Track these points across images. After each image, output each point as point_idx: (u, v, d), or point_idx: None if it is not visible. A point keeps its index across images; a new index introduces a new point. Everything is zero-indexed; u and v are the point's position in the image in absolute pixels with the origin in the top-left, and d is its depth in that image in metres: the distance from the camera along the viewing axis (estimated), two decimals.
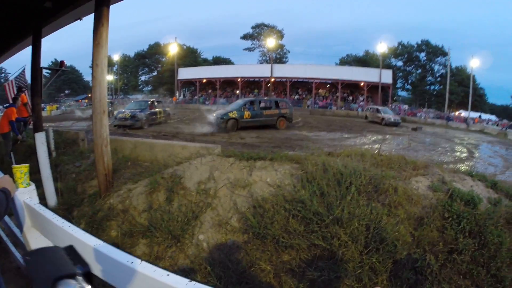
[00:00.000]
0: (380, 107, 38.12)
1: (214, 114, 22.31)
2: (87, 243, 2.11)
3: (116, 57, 68.96)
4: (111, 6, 5.83)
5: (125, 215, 4.94)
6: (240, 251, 4.15)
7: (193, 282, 1.64)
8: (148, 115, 22.17)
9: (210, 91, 59.28)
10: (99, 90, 5.79)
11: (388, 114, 34.98)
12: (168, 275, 1.69)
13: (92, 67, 5.86)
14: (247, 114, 21.55)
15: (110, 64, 66.06)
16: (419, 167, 5.47)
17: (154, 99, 30.21)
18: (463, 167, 7.64)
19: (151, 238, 4.46)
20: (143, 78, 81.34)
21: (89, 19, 6.17)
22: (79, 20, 6.94)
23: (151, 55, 76.57)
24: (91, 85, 7.44)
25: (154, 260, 4.25)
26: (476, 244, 4.01)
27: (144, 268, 1.76)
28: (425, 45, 70.08)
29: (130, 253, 4.31)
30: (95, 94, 5.81)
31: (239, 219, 4.42)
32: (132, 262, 1.80)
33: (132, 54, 77.89)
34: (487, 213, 4.34)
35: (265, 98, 37.36)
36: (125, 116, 21.15)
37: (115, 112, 22.93)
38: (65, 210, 5.78)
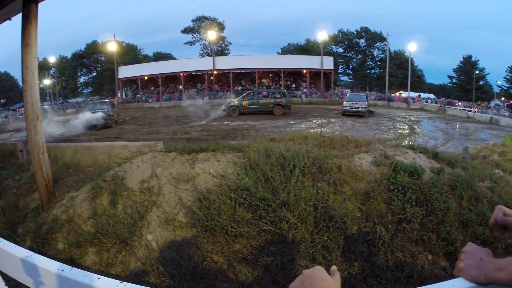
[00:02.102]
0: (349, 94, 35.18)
1: (224, 104, 30.43)
2: (15, 255, 1.99)
3: (52, 59, 65.41)
4: (41, 4, 5.43)
5: (70, 225, 4.67)
6: (190, 246, 4.04)
7: (124, 283, 1.56)
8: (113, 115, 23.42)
9: (152, 88, 58.00)
10: (30, 95, 5.41)
11: (350, 101, 29.62)
12: (99, 278, 1.60)
13: (22, 70, 5.48)
14: (245, 102, 29.02)
15: (46, 67, 63.14)
16: (361, 145, 5.59)
17: (109, 100, 30.32)
18: (405, 142, 7.88)
19: (99, 245, 4.24)
20: (82, 79, 77.64)
21: (19, 19, 5.74)
22: (8, 20, 6.45)
23: (89, 55, 73.11)
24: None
25: (105, 267, 4.05)
26: (423, 212, 4.16)
27: (75, 274, 1.66)
28: (365, 32, 72.77)
29: (80, 264, 4.13)
30: (26, 99, 5.42)
31: (185, 214, 4.30)
32: (62, 270, 1.70)
33: (69, 55, 73.67)
34: (431, 182, 4.50)
35: (264, 89, 41.63)
36: (97, 116, 21.92)
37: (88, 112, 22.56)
38: (9, 228, 5.40)
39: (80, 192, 5.20)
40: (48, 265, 1.81)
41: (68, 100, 67.02)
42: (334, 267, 1.09)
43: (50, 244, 4.50)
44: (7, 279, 2.19)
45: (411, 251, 3.91)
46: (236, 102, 29.28)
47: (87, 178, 5.82)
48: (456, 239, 3.98)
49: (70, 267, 1.73)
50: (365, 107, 28.39)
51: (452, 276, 1.25)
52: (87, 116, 21.49)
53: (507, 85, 72.93)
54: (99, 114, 22.39)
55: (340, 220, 3.91)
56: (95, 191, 4.93)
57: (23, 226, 5.35)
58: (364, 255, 3.78)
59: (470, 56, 73.15)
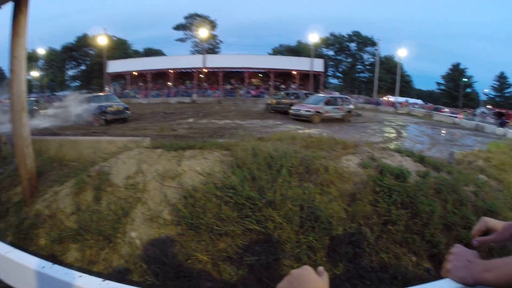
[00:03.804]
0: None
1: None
2: None
3: (41, 51, 64.33)
4: None
5: (53, 221, 4.59)
6: (174, 244, 3.99)
7: (107, 281, 1.52)
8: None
9: (141, 84, 57.44)
10: (17, 85, 5.32)
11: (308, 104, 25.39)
12: (80, 276, 1.57)
13: (10, 60, 5.38)
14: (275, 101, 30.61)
15: (35, 58, 62.16)
16: (349, 147, 5.62)
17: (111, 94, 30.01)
18: (392, 146, 7.94)
19: (82, 241, 4.16)
20: (70, 73, 76.54)
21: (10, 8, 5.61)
22: None
23: (79, 48, 72.00)
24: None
25: (88, 265, 3.97)
26: (408, 214, 4.21)
27: (56, 271, 1.62)
28: (356, 36, 73.49)
29: (62, 261, 4.06)
30: (13, 90, 5.33)
31: (170, 212, 4.25)
32: (43, 267, 1.66)
33: (58, 47, 72.61)
34: (416, 185, 4.56)
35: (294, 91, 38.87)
36: (118, 109, 21.60)
37: (95, 106, 21.48)
38: None
39: (64, 186, 5.12)
40: (28, 261, 1.77)
41: (55, 93, 65.83)
42: (321, 268, 1.08)
43: (32, 239, 4.41)
44: None
45: (395, 253, 3.94)
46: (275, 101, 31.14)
47: (71, 172, 5.74)
48: (440, 242, 4.03)
49: (51, 263, 1.69)
50: (311, 111, 23.62)
51: (436, 278, 1.26)
52: (104, 109, 20.68)
53: (494, 93, 74.49)
54: (121, 106, 22.02)
55: (325, 220, 3.91)
56: (79, 186, 4.86)
57: (4, 221, 5.25)
58: (349, 256, 3.79)
59: (459, 64, 74.60)
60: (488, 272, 1.09)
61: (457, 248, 1.29)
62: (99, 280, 1.52)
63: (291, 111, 25.28)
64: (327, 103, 25.38)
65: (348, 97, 29.94)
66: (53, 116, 22.16)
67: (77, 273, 1.58)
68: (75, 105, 22.53)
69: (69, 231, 4.31)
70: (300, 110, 24.56)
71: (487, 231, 1.42)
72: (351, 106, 27.04)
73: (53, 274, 1.63)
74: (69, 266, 3.86)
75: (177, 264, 3.77)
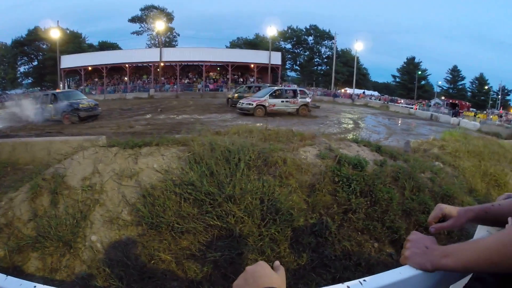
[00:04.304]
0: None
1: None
2: None
3: None
4: None
5: (10, 229, 4.36)
6: (136, 245, 3.92)
7: None
8: None
9: (96, 79, 55.53)
10: None
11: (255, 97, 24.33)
12: (35, 286, 1.50)
13: None
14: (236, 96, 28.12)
15: None
16: (306, 138, 5.69)
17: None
18: (350, 136, 8.08)
19: (42, 249, 3.98)
20: (22, 69, 72.03)
21: None
22: None
23: (30, 42, 67.94)
24: None
25: (50, 273, 3.82)
26: (368, 202, 4.34)
27: (10, 283, 1.54)
28: (313, 30, 74.28)
29: (23, 271, 3.89)
30: None
31: (130, 212, 4.16)
32: None
33: (9, 42, 68.00)
34: (374, 174, 4.68)
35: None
36: (90, 105, 20.96)
37: (64, 103, 20.42)
38: None
39: (19, 192, 4.89)
40: None
41: (7, 91, 62.87)
42: (277, 262, 1.08)
43: None
44: None
45: (357, 240, 4.04)
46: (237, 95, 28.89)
47: (26, 177, 5.50)
48: (400, 227, 4.19)
49: (5, 276, 1.61)
50: (252, 104, 22.69)
51: (399, 263, 1.28)
52: (75, 106, 19.93)
53: (447, 85, 77.69)
54: (92, 102, 21.31)
55: (286, 212, 3.96)
56: (34, 191, 4.65)
57: None
58: (312, 246, 3.85)
59: (414, 58, 77.09)
60: (446, 258, 1.11)
61: (414, 235, 1.30)
62: None
63: (237, 105, 24.24)
64: (275, 95, 23.95)
65: (305, 89, 27.78)
66: (9, 117, 21.19)
67: (32, 284, 1.51)
68: (34, 103, 21.48)
69: (27, 239, 4.12)
70: (243, 103, 23.61)
71: (443, 218, 1.45)
72: (308, 100, 24.95)
73: (7, 286, 1.56)
74: (31, 276, 3.74)
75: (141, 266, 3.71)
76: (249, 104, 23.05)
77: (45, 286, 1.51)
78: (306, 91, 26.97)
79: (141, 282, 3.57)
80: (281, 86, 31.04)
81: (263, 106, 22.94)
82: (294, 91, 25.24)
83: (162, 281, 3.60)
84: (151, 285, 3.56)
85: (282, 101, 23.83)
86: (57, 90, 28.56)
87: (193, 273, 3.63)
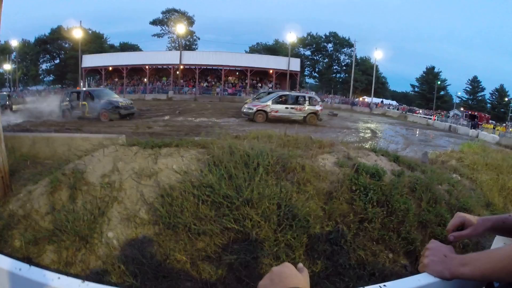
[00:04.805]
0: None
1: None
2: None
3: (14, 43, 62.09)
4: None
5: (27, 221, 4.45)
6: (152, 244, 3.95)
7: (86, 283, 1.48)
8: None
9: (116, 79, 56.37)
10: None
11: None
12: (59, 278, 1.51)
13: None
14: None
15: (8, 51, 60.32)
16: (325, 146, 5.68)
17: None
18: (367, 145, 8.04)
19: (58, 242, 4.05)
20: (44, 66, 74.44)
21: None
22: None
23: (53, 41, 70.14)
24: None
25: (64, 266, 3.88)
26: (384, 212, 4.29)
27: (34, 273, 1.56)
28: (333, 37, 74.17)
29: (38, 263, 3.96)
30: None
31: (147, 211, 4.20)
32: (20, 269, 1.60)
33: (32, 40, 70.34)
34: (392, 184, 4.64)
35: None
36: (127, 104, 21.20)
37: (103, 101, 20.81)
38: None
39: (38, 185, 4.98)
40: (3, 263, 1.71)
41: (29, 87, 64.08)
42: (301, 264, 1.09)
43: (6, 241, 4.26)
44: None
45: (372, 250, 4.01)
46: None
47: (45, 171, 5.60)
48: (415, 239, 4.14)
49: (28, 265, 1.63)
50: (252, 109, 21.85)
51: (413, 274, 1.28)
52: (116, 104, 20.35)
53: (466, 96, 76.62)
54: (127, 101, 21.61)
55: (303, 218, 3.95)
56: (53, 185, 4.74)
57: None
58: (327, 254, 3.84)
59: (433, 67, 76.36)
60: (464, 266, 1.13)
61: (433, 244, 1.31)
62: (78, 281, 1.48)
63: (241, 109, 23.27)
64: (279, 101, 22.57)
65: (315, 97, 25.80)
66: (34, 112, 21.52)
67: (56, 275, 1.52)
68: (63, 100, 21.73)
69: (44, 232, 4.19)
70: (245, 108, 22.74)
71: (462, 226, 1.45)
72: (317, 108, 22.83)
73: (30, 276, 1.56)
74: (46, 268, 3.77)
75: (156, 264, 3.74)
76: (250, 108, 22.26)
77: (69, 277, 1.53)
78: (317, 98, 25.05)
79: (155, 280, 3.59)
80: (289, 92, 29.85)
81: (264, 111, 21.94)
82: (304, 97, 23.62)
83: (176, 281, 3.62)
84: (165, 284, 3.58)
85: (287, 108, 22.38)
86: (91, 88, 28.90)
87: (207, 275, 3.64)
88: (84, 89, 24.96)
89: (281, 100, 22.74)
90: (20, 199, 4.83)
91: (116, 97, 21.87)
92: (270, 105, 22.04)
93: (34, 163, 7.05)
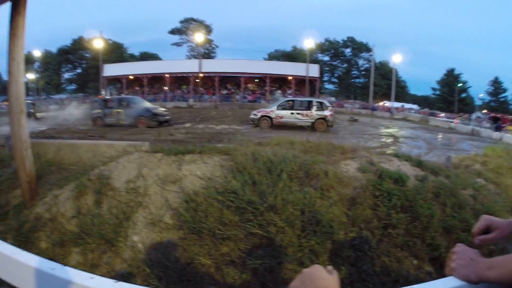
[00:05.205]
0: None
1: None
2: (4, 252, 1.90)
3: (37, 53, 63.81)
4: None
5: (53, 224, 4.58)
6: (177, 248, 4.01)
7: (120, 283, 1.52)
8: None
9: (137, 88, 57.13)
10: (15, 87, 5.30)
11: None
12: (92, 278, 1.56)
13: (8, 62, 5.36)
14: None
15: (31, 61, 61.71)
16: (347, 151, 5.66)
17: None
18: (389, 151, 7.98)
19: (84, 245, 4.16)
20: (66, 76, 76.82)
21: (7, 9, 5.55)
22: None
23: (75, 51, 72.17)
24: None
25: (90, 268, 3.96)
26: (408, 218, 4.23)
27: (67, 273, 1.61)
28: (351, 42, 73.95)
29: (64, 264, 4.04)
30: (11, 92, 5.31)
31: (172, 216, 4.27)
32: (53, 268, 1.65)
33: (54, 50, 72.72)
34: (415, 189, 4.58)
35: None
36: (163, 112, 21.53)
37: (139, 108, 21.10)
38: None
39: (64, 190, 5.11)
40: (37, 263, 1.75)
41: (51, 96, 65.57)
42: (330, 267, 1.12)
43: (33, 243, 4.39)
44: None
45: (396, 256, 3.97)
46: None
47: (71, 176, 5.73)
48: (440, 245, 4.07)
49: (61, 265, 1.68)
50: (257, 115, 21.85)
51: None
52: (153, 111, 20.59)
53: (489, 98, 75.02)
54: (162, 109, 21.88)
55: (327, 224, 3.94)
56: (79, 190, 4.86)
57: (4, 224, 5.23)
58: (350, 260, 3.82)
59: (453, 69, 75.08)
60: (491, 270, 1.14)
61: (460, 248, 1.32)
62: (111, 281, 1.52)
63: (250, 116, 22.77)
64: (284, 107, 22.25)
65: (324, 101, 23.70)
66: (58, 119, 21.91)
67: (89, 275, 1.57)
68: (95, 107, 22.07)
69: (70, 235, 4.31)
70: (251, 113, 22.53)
71: (488, 229, 1.44)
72: (326, 113, 21.72)
73: (63, 275, 1.61)
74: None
75: (180, 268, 3.78)
76: (255, 114, 22.03)
77: (102, 277, 1.58)
78: (326, 103, 23.33)
79: (180, 284, 3.63)
80: (302, 97, 29.43)
81: (269, 117, 21.58)
82: (310, 103, 22.47)
83: (200, 285, 3.66)
84: (189, 287, 3.63)
85: (292, 113, 21.77)
86: (123, 95, 29.23)
87: (231, 279, 3.67)
88: (117, 96, 25.25)
89: (287, 106, 22.44)
90: (46, 203, 4.96)
91: (150, 105, 22.05)
92: (275, 111, 21.72)
93: (59, 169, 7.21)
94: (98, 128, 19.77)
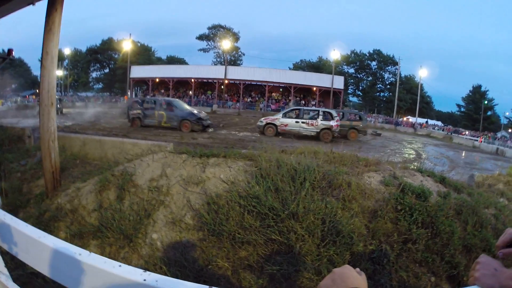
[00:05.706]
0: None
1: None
2: (30, 235, 1.89)
3: (67, 51, 65.19)
4: None
5: (74, 215, 4.69)
6: (195, 249, 4.04)
7: (148, 272, 1.54)
8: None
9: (162, 91, 57.48)
10: (48, 80, 5.46)
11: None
12: (120, 266, 1.57)
13: (42, 55, 5.51)
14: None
15: (61, 58, 63.05)
16: (371, 164, 5.63)
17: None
18: (412, 166, 7.89)
19: (102, 238, 4.24)
20: (94, 75, 78.14)
21: (43, 5, 5.68)
22: (31, 5, 6.25)
23: (104, 51, 73.67)
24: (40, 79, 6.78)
25: None
26: (429, 234, 4.19)
27: (94, 259, 1.61)
28: (377, 54, 73.01)
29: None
30: (43, 84, 5.47)
31: (193, 217, 4.30)
32: (80, 254, 1.66)
33: (84, 49, 74.07)
34: (437, 205, 4.53)
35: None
36: (206, 116, 21.36)
37: (185, 111, 21.04)
38: (10, 211, 5.37)
39: (87, 183, 5.22)
40: (64, 248, 1.75)
41: (78, 93, 66.97)
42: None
43: (52, 231, 4.47)
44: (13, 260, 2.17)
45: (415, 272, 3.93)
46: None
47: (94, 170, 5.86)
48: (459, 263, 4.02)
49: (88, 252, 1.69)
50: (262, 122, 21.41)
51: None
52: (199, 115, 20.52)
53: None
54: (203, 114, 21.68)
55: (347, 235, 3.93)
56: (102, 184, 4.96)
57: (25, 211, 5.39)
58: (368, 273, 3.78)
59: (480, 86, 73.24)
60: None
61: (483, 258, 1.32)
62: (140, 270, 1.54)
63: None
64: (290, 115, 21.72)
65: (331, 111, 22.80)
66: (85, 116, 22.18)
67: (116, 263, 1.58)
68: (134, 107, 21.56)
69: (90, 227, 4.40)
70: (258, 121, 22.37)
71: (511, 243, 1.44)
72: (332, 123, 20.99)
73: (91, 262, 1.62)
74: None
75: (197, 269, 3.81)
76: (261, 121, 21.77)
77: (130, 266, 1.59)
78: (333, 113, 22.39)
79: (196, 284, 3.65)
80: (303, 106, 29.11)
81: (274, 125, 21.15)
82: (316, 112, 21.97)
83: (216, 286, 3.66)
84: None
85: (297, 122, 21.19)
86: (166, 98, 29.40)
87: (248, 283, 3.68)
88: (160, 98, 25.08)
89: (293, 114, 21.94)
90: (69, 195, 5.07)
91: (191, 108, 22.16)
92: (280, 119, 21.35)
93: (83, 163, 7.37)
94: (122, 127, 19.95)
